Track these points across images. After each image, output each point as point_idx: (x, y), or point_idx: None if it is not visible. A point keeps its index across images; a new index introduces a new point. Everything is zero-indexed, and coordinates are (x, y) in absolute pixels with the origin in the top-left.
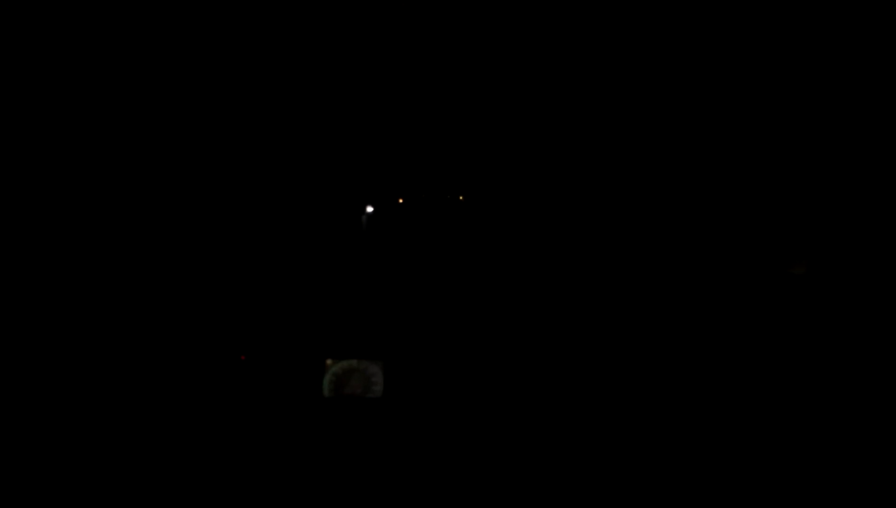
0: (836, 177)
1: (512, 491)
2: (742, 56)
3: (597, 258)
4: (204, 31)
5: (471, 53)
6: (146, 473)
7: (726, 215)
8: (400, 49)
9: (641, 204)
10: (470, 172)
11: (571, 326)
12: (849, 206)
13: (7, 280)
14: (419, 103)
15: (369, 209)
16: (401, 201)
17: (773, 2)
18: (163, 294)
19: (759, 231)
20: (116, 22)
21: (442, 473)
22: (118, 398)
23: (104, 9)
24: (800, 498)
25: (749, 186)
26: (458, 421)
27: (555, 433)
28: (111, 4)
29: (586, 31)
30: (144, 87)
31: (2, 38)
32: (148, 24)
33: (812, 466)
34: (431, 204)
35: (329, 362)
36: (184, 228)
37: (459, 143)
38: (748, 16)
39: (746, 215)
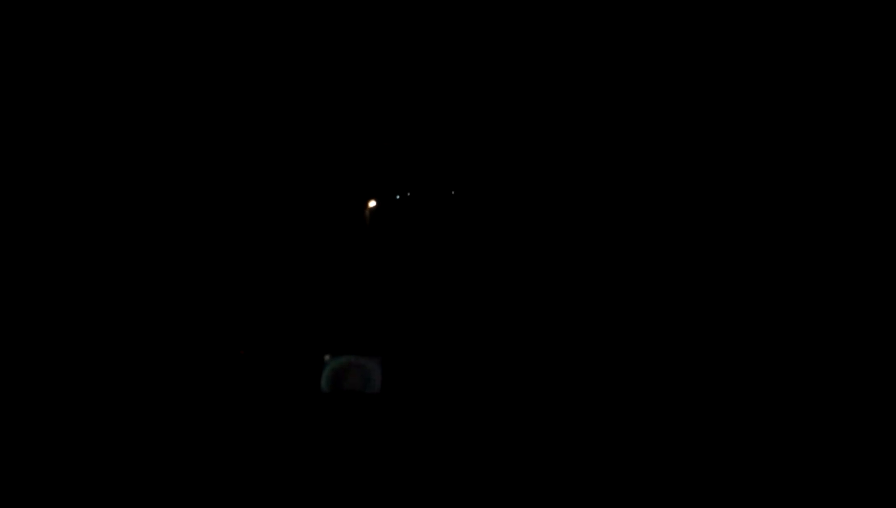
0: (833, 176)
1: (509, 487)
2: (732, 56)
3: (591, 255)
4: (203, 30)
5: (466, 50)
6: (145, 467)
7: (719, 209)
8: (396, 48)
9: (636, 196)
10: (464, 168)
11: (568, 322)
12: (844, 206)
13: (6, 278)
14: (415, 101)
15: (368, 206)
16: (398, 197)
17: (772, 2)
18: (163, 290)
19: (752, 230)
20: (115, 22)
21: (439, 468)
22: (117, 393)
23: (104, 9)
24: (797, 497)
25: (742, 185)
26: (455, 417)
27: (551, 427)
28: (111, 4)
29: (579, 25)
30: (147, 86)
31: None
32: (147, 24)
33: (806, 464)
34: (427, 201)
35: (327, 357)
36: (184, 224)
37: (454, 140)
38: (746, 16)
39: (738, 211)
